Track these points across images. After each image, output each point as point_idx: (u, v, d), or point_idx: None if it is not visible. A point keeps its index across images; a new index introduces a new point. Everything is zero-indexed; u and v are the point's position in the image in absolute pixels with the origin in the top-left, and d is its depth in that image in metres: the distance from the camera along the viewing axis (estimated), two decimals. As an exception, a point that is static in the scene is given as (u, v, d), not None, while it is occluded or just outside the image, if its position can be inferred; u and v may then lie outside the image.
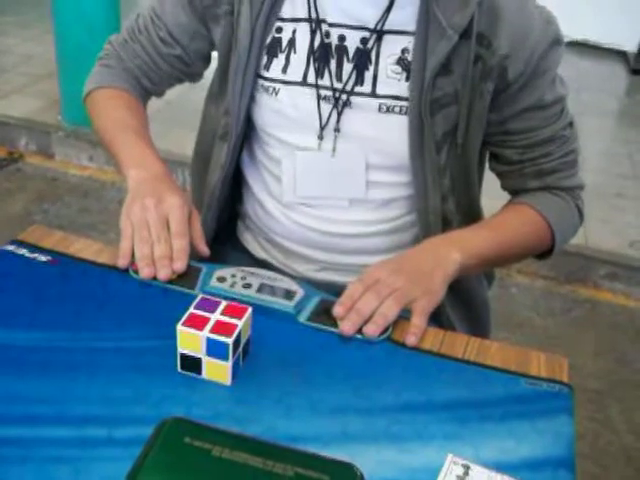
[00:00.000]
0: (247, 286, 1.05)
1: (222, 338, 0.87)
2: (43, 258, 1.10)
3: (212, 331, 0.87)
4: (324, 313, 1.02)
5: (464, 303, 1.24)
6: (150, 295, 1.04)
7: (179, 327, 0.89)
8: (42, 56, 4.27)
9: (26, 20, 4.98)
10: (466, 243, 1.08)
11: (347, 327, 0.97)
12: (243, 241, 1.31)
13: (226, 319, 0.89)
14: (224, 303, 0.92)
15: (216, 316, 0.90)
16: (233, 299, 1.02)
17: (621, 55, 5.31)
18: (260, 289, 1.04)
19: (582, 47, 5.29)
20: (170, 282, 1.05)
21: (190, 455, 0.78)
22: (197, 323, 0.89)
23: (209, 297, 0.94)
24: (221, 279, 1.06)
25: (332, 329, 1.00)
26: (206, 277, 1.06)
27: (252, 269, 1.09)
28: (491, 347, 1.02)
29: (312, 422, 0.86)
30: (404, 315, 1.07)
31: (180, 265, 1.03)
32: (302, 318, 1.02)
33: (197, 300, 0.92)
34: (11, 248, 1.11)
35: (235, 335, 0.87)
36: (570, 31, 5.15)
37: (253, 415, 0.86)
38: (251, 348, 0.94)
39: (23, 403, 0.86)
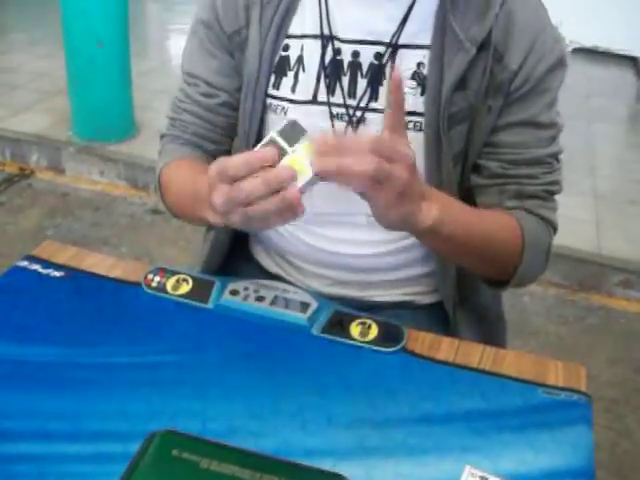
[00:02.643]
0: (260, 299, 1.04)
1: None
2: (56, 273, 1.10)
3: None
4: (338, 325, 1.01)
5: (478, 319, 1.22)
6: (163, 309, 1.04)
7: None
8: (52, 73, 4.29)
9: (36, 37, 5.02)
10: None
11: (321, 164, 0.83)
12: (256, 255, 1.31)
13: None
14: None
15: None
16: (246, 313, 1.03)
17: (631, 61, 5.30)
18: (273, 302, 1.04)
19: (592, 53, 5.28)
20: (183, 296, 1.05)
21: (178, 467, 0.78)
22: None
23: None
24: (234, 292, 1.05)
25: (346, 341, 0.99)
26: (219, 290, 1.06)
27: (265, 282, 1.08)
28: (507, 356, 1.01)
29: (328, 436, 0.86)
30: (420, 326, 1.07)
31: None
32: (316, 330, 1.01)
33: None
34: (25, 264, 1.11)
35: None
36: (579, 37, 5.15)
37: (268, 429, 0.86)
38: (267, 358, 0.94)
39: (38, 419, 0.85)
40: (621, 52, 5.29)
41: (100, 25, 3.37)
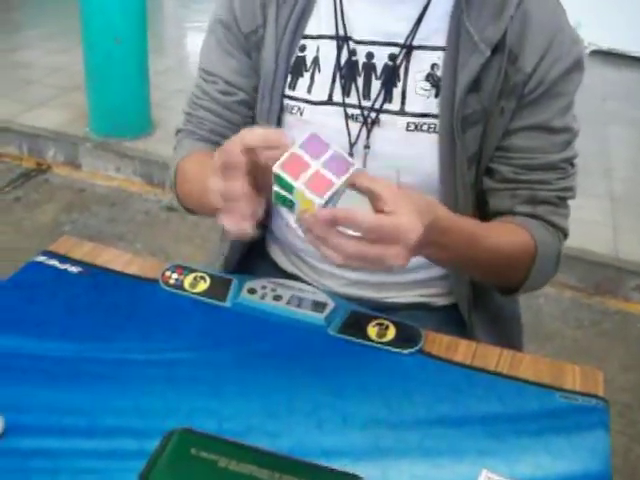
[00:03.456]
0: (278, 298, 1.04)
1: (314, 197, 0.80)
2: (74, 269, 1.10)
3: (307, 184, 0.81)
4: (355, 325, 1.01)
5: (494, 320, 1.22)
6: (180, 306, 1.04)
7: (275, 169, 0.81)
8: (68, 68, 4.31)
9: (51, 33, 5.04)
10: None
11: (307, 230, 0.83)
12: (272, 254, 1.30)
13: (326, 173, 0.81)
14: (330, 152, 0.83)
15: (317, 165, 0.82)
16: (263, 311, 1.03)
17: (648, 63, 5.28)
18: (290, 301, 1.04)
19: (608, 55, 5.25)
20: (200, 294, 1.05)
21: (196, 466, 0.78)
22: (295, 168, 0.81)
23: (318, 138, 0.83)
24: (251, 291, 1.05)
25: (363, 341, 0.99)
26: (236, 289, 1.06)
27: (282, 280, 1.08)
28: (524, 360, 1.00)
29: (344, 436, 0.85)
30: (435, 328, 1.06)
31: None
32: (333, 330, 1.01)
33: (305, 139, 0.83)
34: (42, 259, 1.11)
35: (328, 195, 0.80)
36: (596, 39, 5.12)
37: (284, 429, 0.85)
38: (283, 357, 0.94)
39: (54, 414, 0.86)
40: (638, 54, 5.26)
41: (118, 21, 3.38)
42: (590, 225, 3.02)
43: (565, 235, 1.14)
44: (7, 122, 3.76)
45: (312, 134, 0.83)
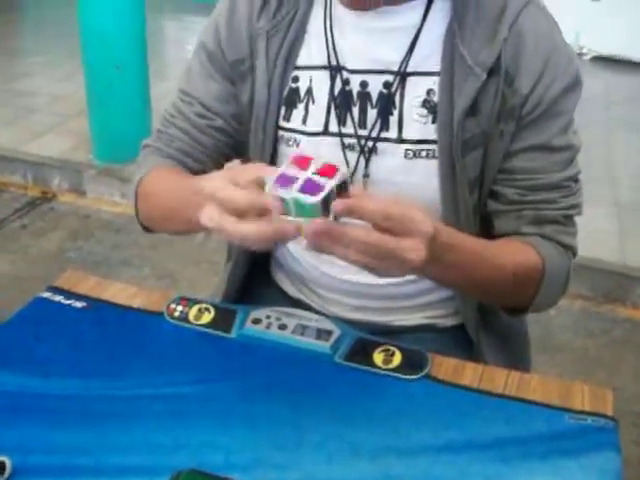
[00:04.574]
0: (283, 327, 1.04)
1: (311, 199, 0.79)
2: (79, 304, 1.10)
3: (300, 190, 0.80)
4: (361, 352, 1.01)
5: (501, 338, 1.21)
6: (186, 339, 1.04)
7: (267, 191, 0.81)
8: (71, 95, 4.33)
9: (54, 60, 5.07)
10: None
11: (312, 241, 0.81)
12: (277, 281, 1.30)
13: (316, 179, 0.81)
14: (314, 165, 0.82)
15: (305, 175, 0.81)
16: (269, 341, 1.02)
17: (651, 69, 5.26)
18: (296, 330, 1.04)
19: (611, 62, 5.24)
20: (205, 325, 1.05)
21: None
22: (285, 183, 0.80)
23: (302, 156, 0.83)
24: (256, 321, 1.05)
25: (370, 368, 0.99)
26: (241, 319, 1.06)
27: (287, 309, 1.08)
28: (532, 380, 1.00)
29: (353, 467, 0.85)
30: (442, 348, 1.06)
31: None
32: (339, 358, 1.01)
33: (289, 160, 0.83)
34: (47, 295, 1.11)
35: (323, 195, 0.79)
36: (599, 46, 5.12)
37: (293, 461, 0.85)
38: (290, 387, 0.94)
39: (61, 453, 0.86)
40: (639, 60, 5.25)
41: (118, 48, 3.40)
42: (597, 233, 3.01)
43: (574, 254, 1.13)
44: (12, 151, 3.78)
45: (295, 154, 0.83)
